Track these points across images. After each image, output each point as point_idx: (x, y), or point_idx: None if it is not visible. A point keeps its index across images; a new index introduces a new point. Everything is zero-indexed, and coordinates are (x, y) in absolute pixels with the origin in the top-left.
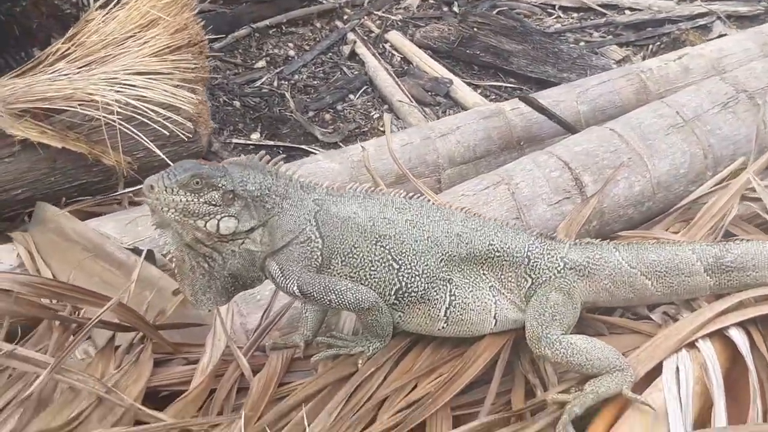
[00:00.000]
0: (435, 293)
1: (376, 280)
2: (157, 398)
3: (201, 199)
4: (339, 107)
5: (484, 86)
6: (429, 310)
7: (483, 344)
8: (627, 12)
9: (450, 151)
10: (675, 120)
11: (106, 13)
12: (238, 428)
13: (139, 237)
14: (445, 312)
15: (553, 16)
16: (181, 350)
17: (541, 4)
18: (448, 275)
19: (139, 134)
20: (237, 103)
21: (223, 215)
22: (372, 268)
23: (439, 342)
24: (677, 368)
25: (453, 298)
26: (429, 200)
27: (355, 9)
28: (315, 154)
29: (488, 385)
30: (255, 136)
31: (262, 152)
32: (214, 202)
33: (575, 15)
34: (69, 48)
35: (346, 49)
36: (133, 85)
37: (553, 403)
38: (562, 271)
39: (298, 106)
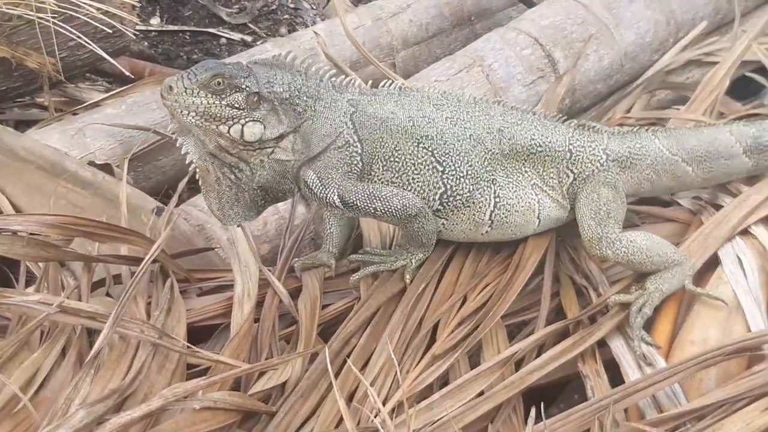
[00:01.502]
0: (480, 195)
1: (420, 184)
2: (194, 333)
3: (223, 102)
4: None
5: None
6: (474, 214)
7: (528, 248)
8: None
9: (403, 31)
10: None
11: None
12: (320, 358)
13: (88, 149)
14: (491, 215)
15: None
16: (195, 278)
17: None
18: (492, 175)
19: (72, 30)
20: None
21: (247, 119)
22: (416, 172)
23: (478, 248)
24: (738, 258)
25: (498, 199)
26: (464, 93)
27: None
28: (223, 37)
29: (534, 290)
30: (155, 21)
31: (291, 50)
32: (237, 105)
33: None
34: None
35: None
36: None
37: (615, 304)
38: (605, 163)
39: None
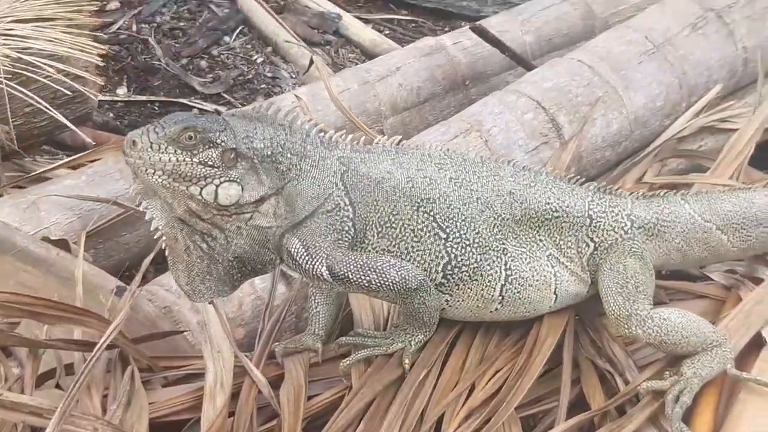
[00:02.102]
0: (489, 267)
1: (421, 253)
2: (158, 430)
3: (195, 159)
4: (215, 52)
5: (375, 20)
6: (482, 289)
7: (544, 328)
8: None
9: (392, 96)
10: (645, 46)
11: None
12: None
13: (42, 224)
14: (501, 290)
15: None
16: (160, 366)
17: None
18: (503, 244)
19: (28, 93)
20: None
21: (222, 180)
22: (415, 239)
23: (487, 328)
24: None
25: (509, 272)
26: (470, 152)
27: None
28: (195, 108)
29: (552, 377)
30: (121, 91)
31: (273, 100)
32: (211, 163)
33: None
34: None
35: None
36: (16, 36)
37: (647, 392)
38: (629, 231)
39: (167, 53)
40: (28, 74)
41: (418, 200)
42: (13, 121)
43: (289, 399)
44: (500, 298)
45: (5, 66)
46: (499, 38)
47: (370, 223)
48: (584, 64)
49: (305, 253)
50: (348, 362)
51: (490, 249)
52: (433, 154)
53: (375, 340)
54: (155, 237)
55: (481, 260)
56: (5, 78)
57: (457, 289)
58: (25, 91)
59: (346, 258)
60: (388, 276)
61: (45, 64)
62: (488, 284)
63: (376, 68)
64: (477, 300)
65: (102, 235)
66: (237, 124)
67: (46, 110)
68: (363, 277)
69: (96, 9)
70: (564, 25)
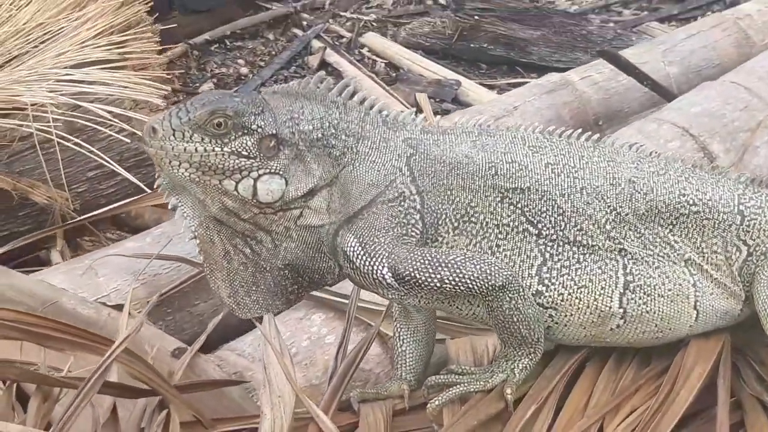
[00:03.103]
0: (601, 272)
1: (507, 253)
2: None
3: (226, 149)
4: None
5: (500, 86)
6: (595, 298)
7: (690, 355)
8: None
9: None
10: None
11: None
12: None
13: (100, 291)
14: (620, 300)
15: None
16: (210, 420)
17: None
18: (619, 243)
19: (90, 147)
20: None
21: (261, 172)
22: (499, 236)
23: (620, 356)
24: None
25: (630, 277)
26: (578, 133)
27: (315, 13)
28: None
29: (705, 420)
30: None
31: (321, 73)
32: (246, 153)
33: None
34: None
35: (313, 60)
36: (75, 81)
37: None
38: None
39: None
40: (90, 123)
41: (503, 190)
42: (74, 188)
43: None
44: (621, 311)
45: (59, 118)
46: (634, 65)
47: (443, 216)
48: (740, 85)
49: (362, 252)
50: (438, 402)
51: (600, 249)
52: (528, 137)
53: (471, 376)
54: (188, 239)
55: (587, 262)
56: (62, 136)
57: (562, 300)
58: (85, 145)
59: (412, 254)
60: (464, 271)
61: (108, 115)
62: (602, 293)
63: (489, 109)
64: (589, 314)
65: (171, 304)
66: (278, 104)
67: (114, 170)
68: (433, 276)
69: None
70: (714, 55)
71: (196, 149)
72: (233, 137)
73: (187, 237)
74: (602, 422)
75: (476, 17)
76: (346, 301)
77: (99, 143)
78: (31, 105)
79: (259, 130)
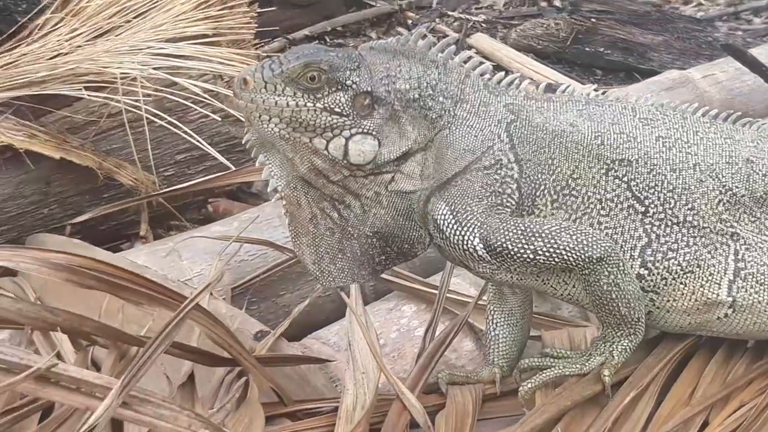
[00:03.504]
0: (710, 256)
1: (610, 231)
2: None
3: (319, 104)
4: None
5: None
6: (702, 285)
7: None
8: None
9: None
10: None
11: None
12: None
13: (183, 275)
14: (729, 287)
15: (692, 4)
16: (291, 400)
17: None
18: (732, 227)
19: (181, 126)
20: None
21: (354, 131)
22: (602, 212)
23: (731, 347)
24: None
25: (742, 264)
26: (695, 108)
27: (421, 12)
28: None
29: None
30: None
31: (422, 29)
32: (339, 110)
33: (722, 0)
34: (63, 19)
35: None
36: (167, 54)
37: None
38: None
39: None
40: (183, 100)
41: (609, 161)
42: (162, 171)
43: (449, 425)
44: (730, 300)
45: (150, 94)
46: (761, 62)
47: (542, 187)
48: None
49: (453, 221)
50: (531, 385)
51: (711, 231)
52: (640, 108)
53: (567, 360)
54: (273, 200)
55: (696, 245)
56: (152, 113)
57: (665, 285)
58: (177, 123)
59: (505, 224)
60: (559, 241)
61: (200, 92)
62: (709, 279)
63: None
64: (694, 301)
65: (257, 293)
66: (375, 60)
67: (203, 155)
68: (526, 246)
69: None
70: None
71: (287, 103)
72: (326, 92)
73: (273, 198)
74: (708, 415)
75: (593, 20)
76: (448, 295)
77: (190, 124)
78: (121, 77)
79: (354, 86)
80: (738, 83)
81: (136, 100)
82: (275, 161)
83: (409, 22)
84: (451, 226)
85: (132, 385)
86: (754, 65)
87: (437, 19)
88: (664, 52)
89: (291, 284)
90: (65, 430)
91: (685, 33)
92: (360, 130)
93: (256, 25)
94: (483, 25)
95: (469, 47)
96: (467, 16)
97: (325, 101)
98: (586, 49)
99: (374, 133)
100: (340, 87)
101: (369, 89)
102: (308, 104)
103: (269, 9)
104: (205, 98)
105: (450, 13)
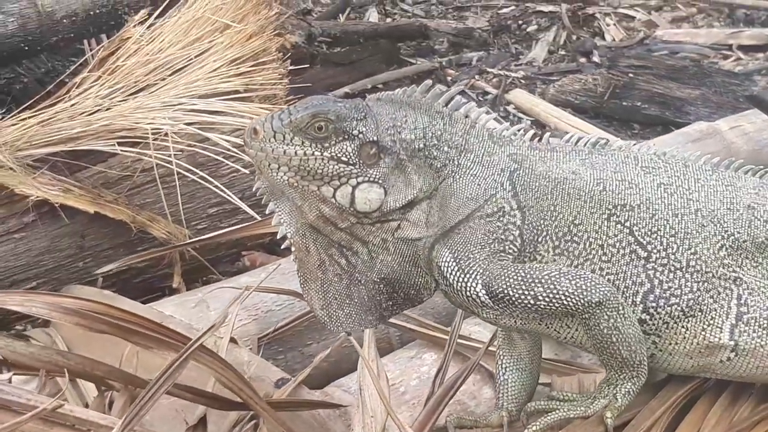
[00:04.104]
0: (712, 300)
1: (612, 277)
2: None
3: (326, 153)
4: None
5: None
6: (704, 329)
7: None
8: None
9: None
10: None
11: (149, 26)
12: None
13: (210, 323)
14: (731, 332)
15: (731, 59)
16: None
17: (714, 45)
18: (734, 272)
19: (212, 180)
20: None
21: (360, 180)
22: (604, 258)
23: (735, 392)
24: None
25: (744, 309)
26: (696, 156)
27: (461, 68)
28: None
29: None
30: None
31: (428, 82)
32: (346, 159)
33: (761, 55)
34: (99, 77)
35: None
36: (198, 110)
37: None
38: None
39: None
40: (207, 154)
41: (610, 206)
42: (194, 224)
43: None
44: (732, 344)
45: (182, 149)
46: None
47: (544, 233)
48: None
49: (457, 268)
50: (535, 428)
51: (713, 276)
52: (642, 157)
53: (572, 403)
54: (282, 247)
55: (699, 290)
56: (184, 167)
57: (667, 329)
58: (210, 179)
59: (506, 271)
60: (558, 287)
61: (230, 147)
62: (711, 323)
63: None
64: (696, 345)
65: (283, 343)
66: (382, 111)
67: (235, 209)
68: (527, 292)
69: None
70: None
71: (296, 152)
72: (334, 142)
73: (282, 245)
74: None
75: (630, 75)
76: (462, 341)
77: (221, 179)
78: (152, 133)
79: (360, 135)
80: (766, 134)
81: (168, 155)
82: (285, 209)
83: (449, 79)
84: (454, 272)
85: (134, 424)
86: None
87: (476, 76)
88: (701, 105)
89: (317, 334)
90: None
91: (722, 87)
92: (366, 178)
93: (287, 81)
94: (522, 81)
95: (508, 103)
96: (506, 73)
97: (333, 150)
98: (624, 103)
99: (380, 181)
100: (347, 137)
101: (375, 139)
102: (316, 153)
103: (309, 67)
104: (236, 153)
105: (489, 69)
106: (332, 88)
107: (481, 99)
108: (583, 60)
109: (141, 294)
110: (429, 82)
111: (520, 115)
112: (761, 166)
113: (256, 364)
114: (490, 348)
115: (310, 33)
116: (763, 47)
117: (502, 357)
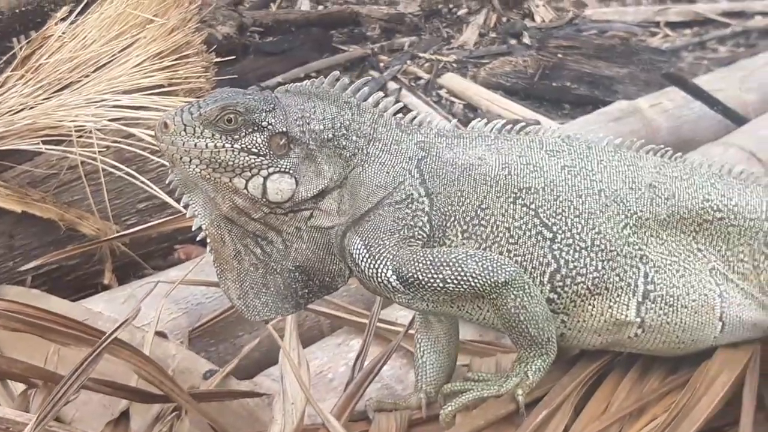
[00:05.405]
0: (618, 278)
1: (519, 258)
2: None
3: (236, 145)
4: None
5: None
6: (610, 306)
7: (715, 363)
8: (758, 18)
9: None
10: None
11: (71, 22)
12: None
13: (141, 320)
14: (638, 308)
15: (659, 36)
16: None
17: (642, 23)
18: (639, 249)
19: (138, 176)
20: None
21: (271, 170)
22: (511, 240)
23: (645, 365)
24: None
25: (650, 286)
26: (600, 138)
27: (393, 54)
28: None
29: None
30: None
31: (336, 73)
32: (256, 150)
33: (688, 31)
34: (23, 75)
35: None
36: (121, 106)
37: None
38: None
39: None
40: (133, 150)
41: (515, 190)
42: (124, 220)
43: None
44: (638, 320)
45: (108, 145)
46: (702, 88)
47: (452, 218)
48: None
49: (367, 254)
50: (450, 408)
51: (618, 254)
52: (547, 141)
53: (486, 382)
54: (198, 238)
55: (604, 269)
56: (109, 164)
57: (575, 307)
58: (136, 174)
59: (415, 256)
60: (465, 269)
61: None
62: (618, 300)
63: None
64: (604, 322)
65: (215, 335)
66: (290, 102)
67: (165, 203)
68: (435, 276)
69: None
70: None
71: (206, 145)
72: (243, 134)
73: (197, 236)
74: (621, 429)
75: (560, 55)
76: (386, 326)
77: (148, 174)
78: (75, 130)
79: (270, 127)
80: (686, 111)
81: (91, 150)
82: (199, 201)
83: (381, 65)
84: (365, 259)
85: (49, 419)
86: (695, 92)
87: (408, 61)
88: (629, 84)
89: (248, 325)
90: None
91: (650, 64)
92: (277, 169)
93: (212, 74)
94: (454, 65)
95: (440, 87)
96: (438, 57)
97: (243, 142)
98: (554, 84)
99: (291, 172)
100: (256, 128)
101: (284, 130)
102: (226, 145)
103: (241, 59)
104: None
105: (421, 54)
106: (265, 78)
107: (414, 84)
108: (513, 42)
109: (73, 292)
110: (336, 73)
111: (453, 99)
112: (662, 146)
113: (183, 356)
114: (410, 331)
115: (241, 23)
116: (689, 23)
117: (420, 340)
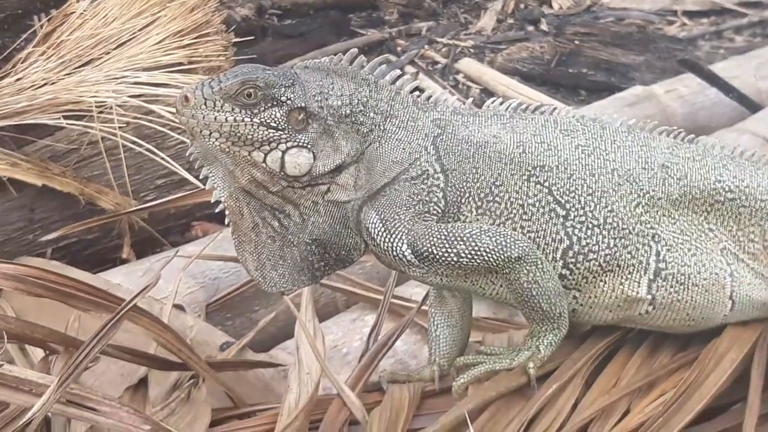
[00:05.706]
0: (630, 256)
1: (533, 234)
2: None
3: (256, 119)
4: None
5: None
6: (622, 283)
7: (724, 341)
8: None
9: None
10: None
11: (92, 0)
12: None
13: (158, 293)
14: (649, 286)
15: (676, 24)
16: (247, 407)
17: (660, 11)
18: (652, 228)
19: (158, 152)
20: None
21: (289, 145)
22: (525, 216)
23: (656, 342)
24: None
25: (662, 264)
26: (614, 119)
27: (411, 39)
28: None
29: (737, 406)
30: None
31: (354, 50)
32: (275, 125)
33: (705, 20)
34: (44, 52)
35: None
36: (141, 83)
37: None
38: None
39: None
40: (153, 126)
41: (530, 168)
42: (143, 196)
43: (382, 420)
44: (649, 297)
45: (128, 122)
46: (717, 75)
47: (467, 195)
48: None
49: (383, 229)
50: (462, 380)
51: (631, 233)
52: (562, 120)
53: (498, 356)
54: (216, 210)
55: (616, 246)
56: (129, 140)
57: (586, 283)
58: (155, 150)
59: (430, 230)
60: (479, 243)
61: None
62: (630, 277)
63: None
64: (615, 298)
65: (231, 309)
66: (309, 78)
67: (183, 180)
68: (450, 250)
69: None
70: None
71: (226, 119)
72: (263, 108)
73: (216, 208)
74: (630, 403)
75: (577, 42)
76: (400, 302)
77: (168, 150)
78: (97, 105)
79: (288, 102)
80: (701, 97)
81: (111, 125)
82: (218, 173)
83: (399, 49)
84: (380, 233)
85: (70, 382)
86: (711, 78)
87: (426, 46)
88: (645, 71)
89: (265, 300)
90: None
91: (666, 53)
92: (295, 143)
93: (231, 53)
94: (471, 50)
95: (457, 72)
96: (456, 42)
97: (262, 116)
98: (570, 70)
99: (309, 146)
100: (275, 103)
101: (303, 105)
102: (246, 119)
103: (260, 41)
104: (181, 125)
105: (439, 39)
106: (283, 60)
107: (431, 69)
108: (530, 28)
109: (92, 266)
110: (355, 50)
111: (470, 84)
112: (675, 127)
113: (201, 328)
114: (424, 307)
115: (260, 5)
116: (707, 12)
117: (433, 314)
